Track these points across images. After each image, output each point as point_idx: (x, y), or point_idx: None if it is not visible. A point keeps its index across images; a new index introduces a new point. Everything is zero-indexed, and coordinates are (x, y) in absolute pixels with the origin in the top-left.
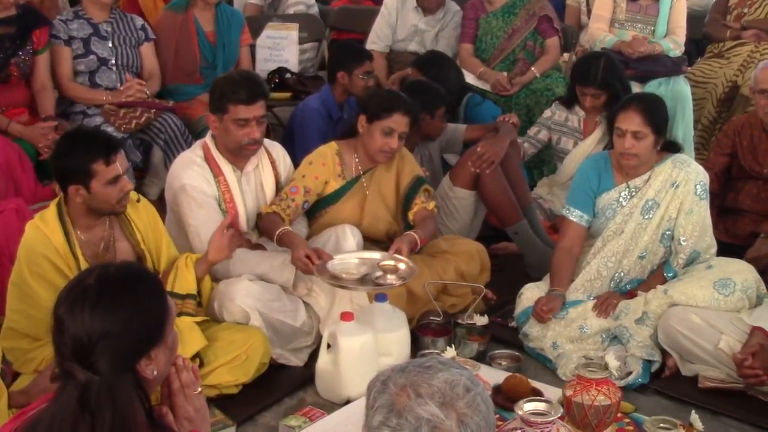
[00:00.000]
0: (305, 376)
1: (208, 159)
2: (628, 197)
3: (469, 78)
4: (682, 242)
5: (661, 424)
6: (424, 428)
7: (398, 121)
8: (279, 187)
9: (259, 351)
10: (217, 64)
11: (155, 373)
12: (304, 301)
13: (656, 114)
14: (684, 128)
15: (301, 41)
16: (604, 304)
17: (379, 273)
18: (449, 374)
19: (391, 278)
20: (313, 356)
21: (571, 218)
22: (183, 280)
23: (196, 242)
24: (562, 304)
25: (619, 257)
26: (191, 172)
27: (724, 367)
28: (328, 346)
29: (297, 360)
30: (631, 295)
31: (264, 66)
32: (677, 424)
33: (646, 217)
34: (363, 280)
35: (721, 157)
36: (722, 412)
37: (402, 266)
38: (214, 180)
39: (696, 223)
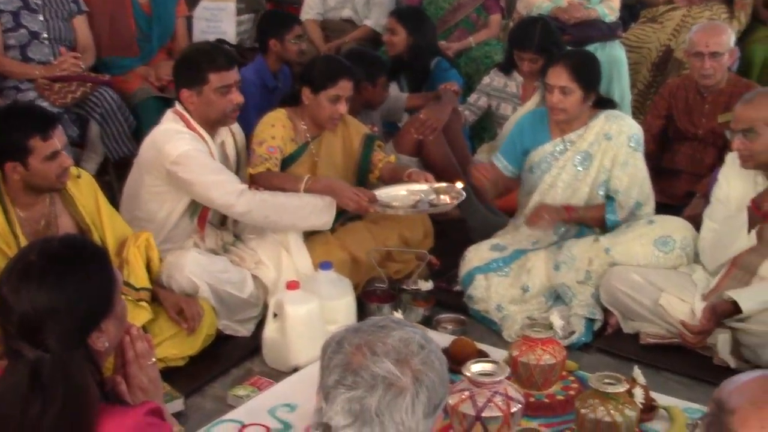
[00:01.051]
0: (252, 346)
1: (191, 130)
2: (563, 151)
3: None
4: (619, 194)
5: (606, 380)
6: (380, 385)
7: (344, 87)
8: (239, 159)
9: (205, 323)
10: (153, 36)
11: (106, 344)
12: (252, 274)
13: (584, 70)
14: (620, 92)
15: (238, 12)
16: (535, 216)
17: (433, 195)
18: (403, 332)
19: (444, 198)
20: (260, 326)
21: (498, 165)
22: (136, 274)
23: (214, 194)
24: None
25: None
26: (185, 139)
27: (664, 324)
28: (275, 315)
29: (244, 330)
30: (568, 211)
31: (201, 38)
32: (621, 379)
33: (580, 168)
34: (416, 206)
35: (658, 119)
36: (663, 367)
37: (459, 185)
38: (203, 146)
39: (632, 174)
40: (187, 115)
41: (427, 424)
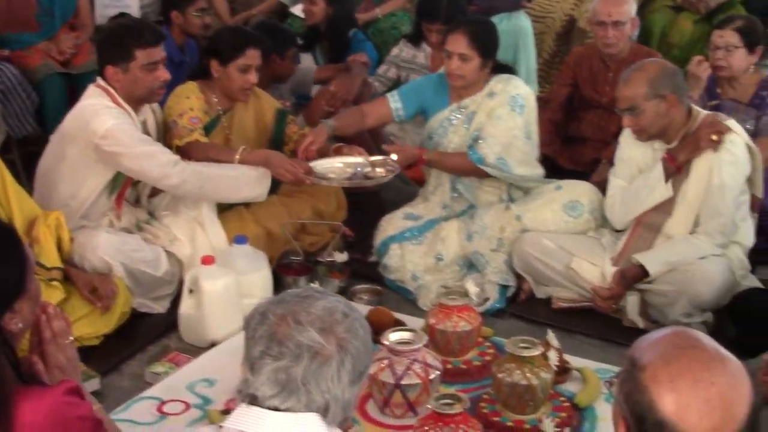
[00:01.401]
0: (168, 322)
1: (117, 104)
2: (458, 116)
3: None
4: (484, 141)
5: (521, 344)
6: (305, 354)
7: (252, 56)
8: (160, 138)
9: (119, 301)
10: (54, 10)
11: (20, 325)
12: (165, 250)
13: (482, 38)
14: (526, 62)
15: None
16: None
17: (368, 168)
18: (327, 302)
19: (380, 171)
20: (176, 303)
21: (388, 99)
22: (47, 253)
23: (147, 165)
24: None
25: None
26: (112, 114)
27: (576, 287)
28: (190, 291)
29: (159, 307)
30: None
31: (104, 12)
32: (536, 343)
33: (466, 126)
34: (351, 178)
35: (563, 87)
36: (575, 330)
37: (393, 157)
38: (130, 120)
39: (502, 130)
40: (112, 91)
41: (353, 391)
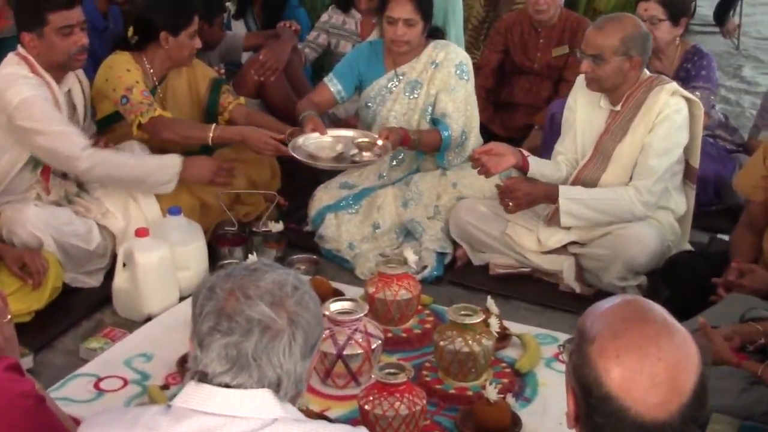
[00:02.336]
0: (102, 296)
1: (36, 74)
2: (396, 83)
3: None
4: (446, 117)
5: (462, 312)
6: (255, 329)
7: (197, 21)
8: (86, 108)
9: (50, 276)
10: None
11: None
12: (97, 223)
13: (425, 2)
14: (456, 28)
15: None
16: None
17: (354, 150)
18: (276, 275)
19: (367, 155)
20: (109, 276)
21: (329, 86)
22: None
23: (60, 145)
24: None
25: None
26: (30, 84)
27: (512, 253)
28: (124, 264)
29: (92, 281)
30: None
31: None
32: (477, 310)
33: (411, 96)
34: (339, 159)
35: (495, 53)
36: (513, 296)
37: (379, 142)
38: (49, 94)
39: (459, 101)
40: (31, 59)
41: (305, 365)
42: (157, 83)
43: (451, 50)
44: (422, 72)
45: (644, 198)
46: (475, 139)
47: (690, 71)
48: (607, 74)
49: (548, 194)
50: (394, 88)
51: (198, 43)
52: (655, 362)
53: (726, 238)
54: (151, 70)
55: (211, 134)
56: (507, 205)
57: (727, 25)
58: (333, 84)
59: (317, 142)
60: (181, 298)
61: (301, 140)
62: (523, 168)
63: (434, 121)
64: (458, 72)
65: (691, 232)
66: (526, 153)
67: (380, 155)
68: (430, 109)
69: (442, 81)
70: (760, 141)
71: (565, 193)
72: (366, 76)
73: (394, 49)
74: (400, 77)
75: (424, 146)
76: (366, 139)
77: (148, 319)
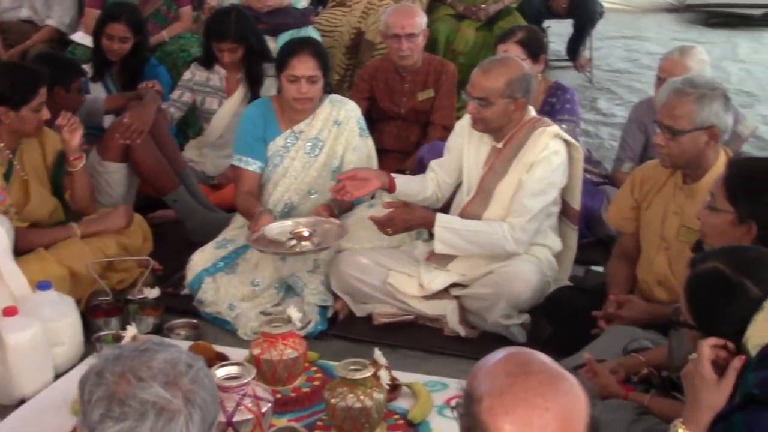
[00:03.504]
0: None
1: None
2: (294, 142)
3: (87, 40)
4: None
5: (351, 367)
6: (150, 412)
7: (42, 93)
8: None
9: None
10: None
11: None
12: None
13: (325, 56)
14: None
15: None
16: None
17: (293, 242)
18: (168, 354)
19: (306, 245)
20: None
21: (248, 168)
22: None
23: None
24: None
25: (290, 195)
26: None
27: (395, 302)
28: None
29: None
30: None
31: None
32: (366, 364)
33: (312, 155)
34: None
35: (361, 101)
36: (398, 345)
37: (306, 233)
38: None
39: (361, 158)
40: None
41: None
42: (11, 155)
43: (350, 107)
44: (322, 130)
45: (516, 235)
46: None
47: (555, 105)
48: (494, 116)
49: (425, 221)
50: (291, 147)
51: (45, 115)
52: (543, 413)
53: (600, 269)
54: (1, 144)
55: (78, 233)
56: (386, 232)
57: (580, 59)
58: (248, 164)
59: (280, 230)
60: (57, 376)
61: (266, 229)
62: (389, 190)
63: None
64: (360, 129)
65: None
66: (392, 175)
67: (320, 245)
68: (335, 166)
69: (347, 140)
70: (625, 173)
71: (441, 221)
72: (266, 138)
73: (297, 107)
74: (297, 135)
75: (342, 212)
76: (304, 229)
77: (22, 401)
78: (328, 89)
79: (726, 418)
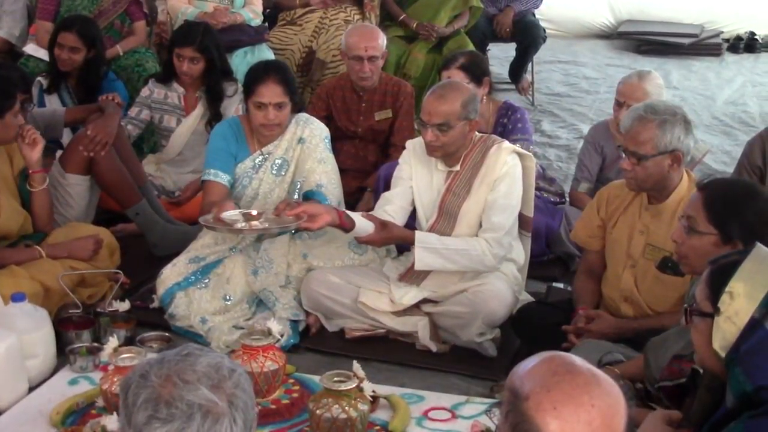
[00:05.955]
0: None
1: None
2: (262, 162)
3: (41, 53)
4: (323, 187)
5: (336, 378)
6: (197, 414)
7: (18, 99)
8: None
9: None
10: None
11: None
12: None
13: (291, 81)
14: None
15: None
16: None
17: (242, 223)
18: (210, 358)
19: (255, 224)
20: None
21: (218, 181)
22: None
23: None
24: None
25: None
26: None
27: (366, 319)
28: None
29: None
30: None
31: None
32: (350, 375)
33: (279, 175)
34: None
35: (319, 120)
36: (372, 358)
37: (254, 213)
38: None
39: (329, 172)
40: None
41: None
42: None
43: (315, 125)
44: (288, 149)
45: (495, 250)
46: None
47: (507, 125)
48: (453, 140)
49: (404, 240)
50: (259, 167)
51: (21, 120)
52: (590, 409)
53: (561, 286)
54: None
55: (42, 255)
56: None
57: (522, 82)
58: (219, 177)
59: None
60: (31, 389)
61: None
62: (342, 226)
63: (308, 194)
64: (325, 144)
65: (528, 282)
66: (342, 211)
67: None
68: (299, 185)
69: (312, 156)
70: (582, 192)
71: (421, 241)
72: (237, 157)
73: (265, 132)
74: (266, 156)
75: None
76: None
77: None
78: (298, 108)
79: (720, 426)
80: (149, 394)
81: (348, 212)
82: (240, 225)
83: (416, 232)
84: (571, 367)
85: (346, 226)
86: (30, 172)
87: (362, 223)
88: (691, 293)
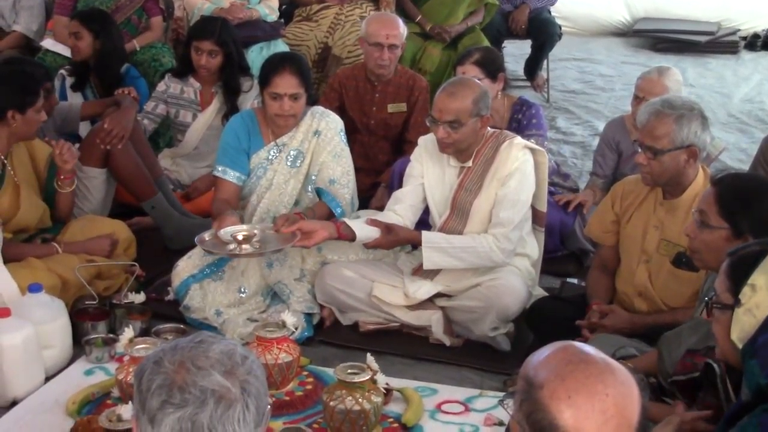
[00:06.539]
0: None
1: None
2: (276, 153)
3: (58, 47)
4: (335, 183)
5: (350, 371)
6: (210, 399)
7: (42, 95)
8: None
9: None
10: None
11: None
12: None
13: (307, 73)
14: None
15: None
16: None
17: (233, 245)
18: (223, 345)
19: (246, 248)
20: None
21: (227, 179)
22: None
23: None
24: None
25: (275, 207)
26: None
27: (380, 313)
28: None
29: None
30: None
31: None
32: (364, 368)
33: (294, 167)
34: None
35: (331, 110)
36: (386, 351)
37: (240, 237)
38: None
39: (344, 166)
40: None
41: None
42: (4, 159)
43: (331, 118)
44: (303, 141)
45: (502, 245)
46: (356, 205)
47: (521, 121)
48: (464, 136)
49: (411, 242)
50: (274, 159)
51: (44, 116)
52: (604, 398)
53: (575, 281)
54: None
55: (59, 251)
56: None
57: (537, 79)
58: (230, 175)
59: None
60: (47, 378)
61: (223, 231)
62: (341, 238)
63: (319, 191)
64: (341, 137)
65: (542, 278)
66: (341, 222)
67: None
68: (313, 178)
69: (328, 149)
70: (596, 188)
71: (428, 241)
72: (250, 150)
73: (280, 123)
74: (281, 147)
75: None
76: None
77: (14, 403)
78: (311, 101)
79: (736, 419)
80: (163, 379)
81: (348, 222)
82: (231, 247)
83: (422, 232)
84: (585, 357)
85: (345, 238)
86: (61, 177)
87: (365, 231)
88: (706, 287)
